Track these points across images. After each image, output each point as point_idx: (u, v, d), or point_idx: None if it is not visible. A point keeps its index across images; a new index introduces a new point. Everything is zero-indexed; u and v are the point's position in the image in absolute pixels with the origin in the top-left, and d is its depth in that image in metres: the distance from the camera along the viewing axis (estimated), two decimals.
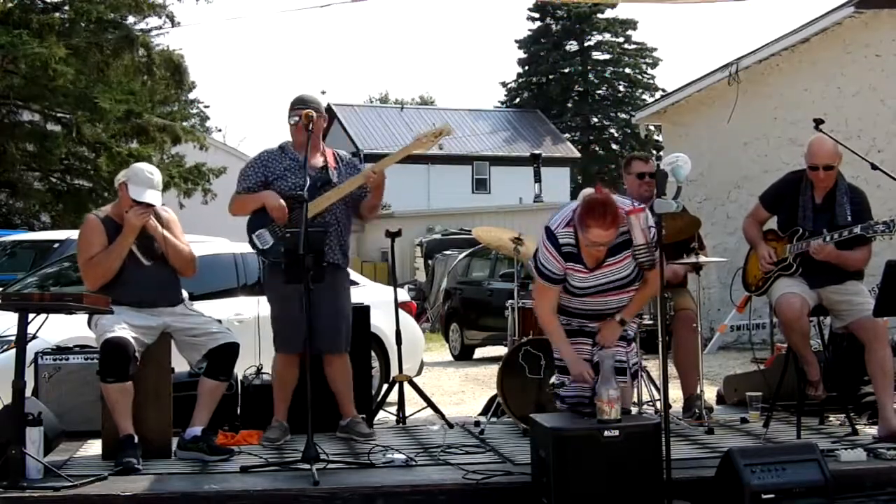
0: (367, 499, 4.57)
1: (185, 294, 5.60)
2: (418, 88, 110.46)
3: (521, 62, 49.02)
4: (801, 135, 10.08)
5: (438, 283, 18.57)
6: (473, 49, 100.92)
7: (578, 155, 43.12)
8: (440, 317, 16.20)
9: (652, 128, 27.06)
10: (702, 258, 5.96)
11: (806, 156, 5.58)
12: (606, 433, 4.33)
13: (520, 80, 49.32)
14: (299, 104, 5.64)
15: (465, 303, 14.85)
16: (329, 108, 40.16)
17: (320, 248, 5.11)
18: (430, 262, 21.62)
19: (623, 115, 46.68)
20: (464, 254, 16.72)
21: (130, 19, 20.55)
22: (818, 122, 5.58)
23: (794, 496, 4.36)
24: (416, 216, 28.93)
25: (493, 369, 8.63)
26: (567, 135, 45.62)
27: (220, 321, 5.70)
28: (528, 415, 5.00)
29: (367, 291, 8.37)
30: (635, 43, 48.62)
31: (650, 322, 5.75)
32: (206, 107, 52.62)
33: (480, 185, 39.57)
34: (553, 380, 4.98)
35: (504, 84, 50.26)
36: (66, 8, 19.83)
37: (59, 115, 20.14)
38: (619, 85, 49.07)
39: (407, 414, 6.59)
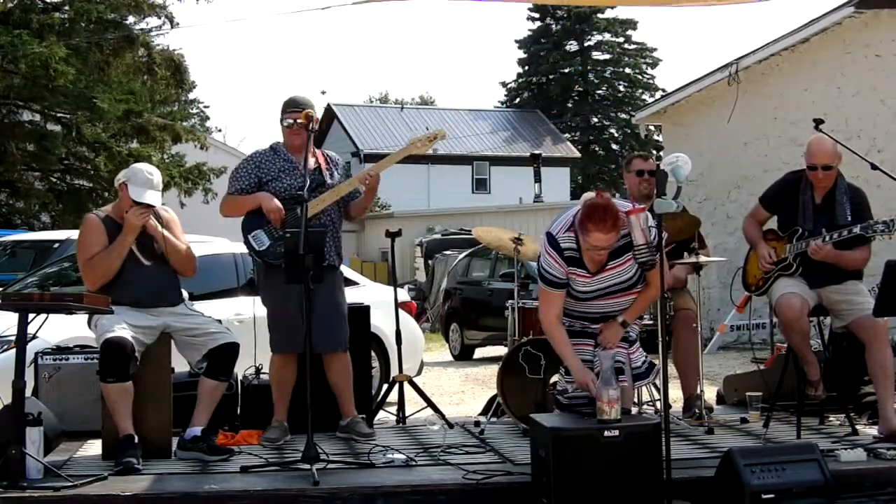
0: (367, 499, 4.57)
1: (185, 294, 5.61)
2: (418, 88, 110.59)
3: (521, 62, 49.04)
4: (801, 135, 10.09)
5: (438, 283, 18.56)
6: (473, 49, 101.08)
7: (578, 155, 43.12)
8: (440, 317, 16.20)
9: (652, 128, 27.02)
10: (702, 258, 5.96)
11: (805, 156, 5.58)
12: (606, 433, 4.33)
13: (520, 80, 49.32)
14: (294, 106, 5.63)
15: (465, 303, 14.85)
16: (329, 108, 40.26)
17: (320, 248, 5.13)
18: (430, 262, 21.61)
19: (623, 115, 46.67)
20: (464, 254, 16.72)
21: (130, 19, 20.57)
22: (818, 122, 5.58)
23: (794, 496, 4.35)
24: (416, 216, 28.94)
25: (493, 369, 8.63)
26: (567, 135, 45.63)
27: (220, 321, 5.69)
28: (528, 415, 5.00)
29: (367, 291, 8.38)
30: (635, 43, 48.63)
31: (650, 322, 5.75)
32: (206, 107, 52.70)
33: (480, 185, 39.57)
34: (557, 386, 4.98)
35: (504, 84, 50.34)
36: (66, 8, 19.83)
37: (58, 115, 20.15)
38: (619, 85, 49.07)
39: (407, 414, 6.59)
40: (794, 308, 5.41)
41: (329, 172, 5.73)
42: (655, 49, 50.03)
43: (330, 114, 40.42)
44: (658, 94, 39.89)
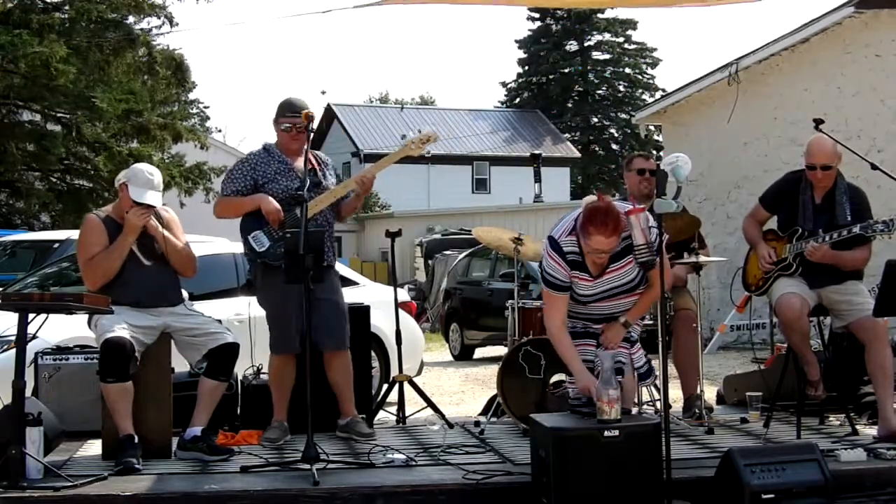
0: (367, 499, 4.57)
1: (185, 294, 5.61)
2: (418, 88, 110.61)
3: (521, 62, 49.03)
4: (801, 135, 10.09)
5: (438, 283, 18.56)
6: (473, 49, 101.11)
7: (578, 155, 43.14)
8: (440, 317, 16.20)
9: (652, 128, 27.05)
10: (702, 258, 5.96)
11: (805, 156, 5.58)
12: (606, 433, 4.33)
13: (520, 80, 49.32)
14: (291, 110, 5.62)
15: (465, 303, 14.85)
16: (329, 108, 40.28)
17: (320, 248, 5.13)
18: (430, 262, 21.61)
19: (623, 115, 46.68)
20: (464, 254, 16.72)
21: (130, 19, 20.55)
22: (818, 122, 5.58)
23: (794, 496, 4.35)
24: (416, 216, 28.95)
25: (493, 369, 8.63)
26: (567, 135, 45.63)
27: (220, 321, 5.69)
28: (528, 415, 5.00)
29: (367, 291, 8.38)
30: (635, 43, 48.63)
31: (650, 322, 5.75)
32: (206, 107, 52.65)
33: (480, 185, 39.57)
34: (563, 387, 4.99)
35: (504, 84, 50.33)
36: (67, 8, 19.82)
37: (58, 114, 20.14)
38: (619, 85, 49.06)
39: (407, 414, 6.59)
40: (794, 308, 5.41)
41: (322, 173, 5.74)
42: (655, 49, 50.10)
43: (330, 114, 40.45)
44: (658, 94, 39.90)
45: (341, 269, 8.20)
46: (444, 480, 4.75)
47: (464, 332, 14.58)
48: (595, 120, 48.62)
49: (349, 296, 6.74)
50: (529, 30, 48.72)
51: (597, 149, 48.20)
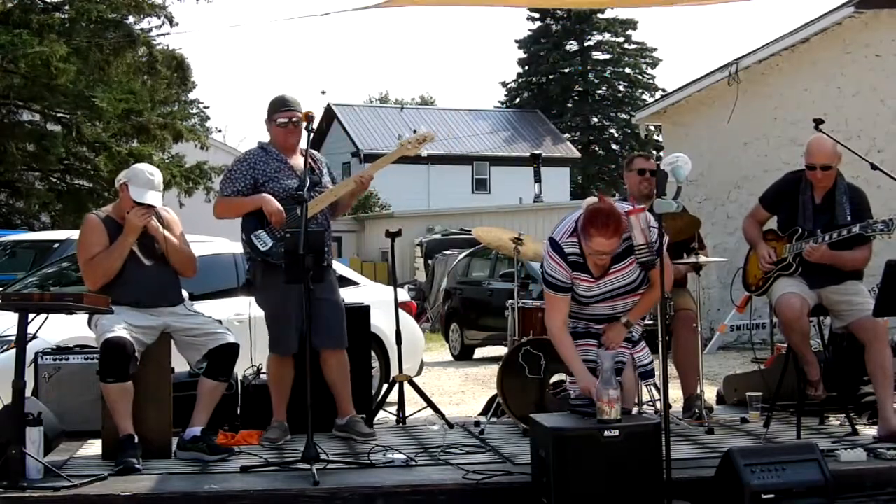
0: (367, 499, 4.57)
1: (185, 294, 5.61)
2: (418, 88, 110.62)
3: (521, 62, 49.02)
4: (801, 135, 10.09)
5: (438, 283, 18.56)
6: (473, 49, 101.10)
7: (578, 155, 43.12)
8: (440, 317, 16.19)
9: (652, 128, 27.01)
10: (702, 258, 5.96)
11: (805, 155, 5.58)
12: (606, 433, 4.33)
13: (520, 80, 49.30)
14: (285, 105, 5.62)
15: (465, 303, 14.85)
16: (329, 108, 40.25)
17: (320, 248, 5.13)
18: (430, 262, 21.61)
19: (623, 115, 46.66)
20: (464, 254, 16.72)
21: (130, 19, 20.55)
22: (818, 122, 5.58)
23: (794, 496, 4.35)
24: (416, 216, 28.92)
25: (493, 369, 8.63)
26: (567, 135, 45.62)
27: (220, 321, 5.69)
28: (528, 415, 5.00)
29: (366, 291, 8.38)
30: (635, 43, 48.62)
31: (650, 322, 5.75)
32: (206, 107, 52.67)
33: (480, 185, 39.56)
34: (564, 387, 4.99)
35: (504, 84, 50.31)
36: (67, 8, 19.82)
37: (58, 114, 20.14)
38: (619, 85, 49.05)
39: (407, 414, 6.59)
40: (794, 308, 5.41)
41: (320, 172, 5.74)
42: (655, 49, 50.08)
43: (330, 114, 40.42)
44: (658, 94, 39.89)
45: (341, 269, 8.21)
46: (444, 480, 4.74)
47: (464, 332, 14.58)
48: (595, 120, 48.61)
49: (349, 296, 6.75)
50: (529, 30, 48.76)
51: (597, 149, 48.20)
